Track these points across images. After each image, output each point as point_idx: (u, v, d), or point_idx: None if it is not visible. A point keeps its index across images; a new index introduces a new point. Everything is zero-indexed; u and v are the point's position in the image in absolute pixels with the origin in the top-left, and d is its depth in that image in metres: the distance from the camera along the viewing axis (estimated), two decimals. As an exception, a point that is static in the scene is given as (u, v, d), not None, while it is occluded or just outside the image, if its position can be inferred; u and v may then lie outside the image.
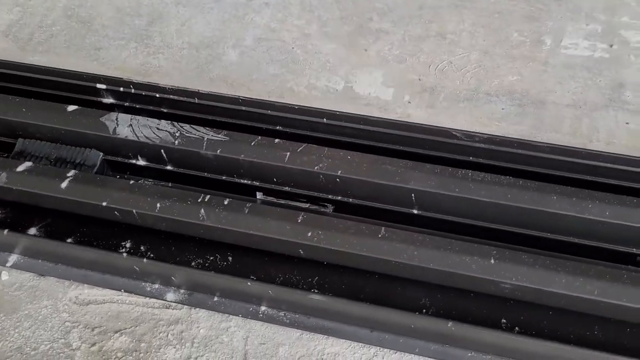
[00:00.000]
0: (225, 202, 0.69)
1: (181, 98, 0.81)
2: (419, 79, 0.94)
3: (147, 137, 0.74)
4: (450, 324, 0.62)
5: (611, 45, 0.97)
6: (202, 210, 0.68)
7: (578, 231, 0.67)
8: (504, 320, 0.64)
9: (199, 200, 0.69)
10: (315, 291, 0.66)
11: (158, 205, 0.68)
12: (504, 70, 0.95)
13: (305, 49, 0.99)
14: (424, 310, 0.64)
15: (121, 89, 0.82)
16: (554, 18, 1.01)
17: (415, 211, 0.71)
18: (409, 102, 0.91)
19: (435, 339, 0.65)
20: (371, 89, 0.93)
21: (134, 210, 0.68)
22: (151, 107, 0.81)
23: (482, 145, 0.75)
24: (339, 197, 0.73)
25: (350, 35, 1.00)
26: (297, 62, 0.97)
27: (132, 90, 0.81)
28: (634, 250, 0.69)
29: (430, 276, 0.64)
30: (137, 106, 0.81)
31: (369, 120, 0.81)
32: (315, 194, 0.73)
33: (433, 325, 0.64)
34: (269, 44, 1.00)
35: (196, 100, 0.80)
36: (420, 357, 0.66)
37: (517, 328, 0.64)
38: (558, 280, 0.62)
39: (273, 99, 0.89)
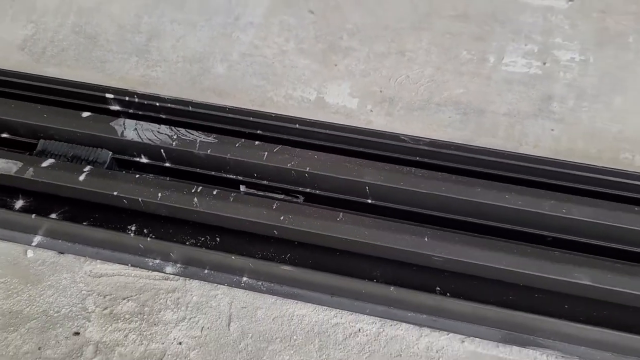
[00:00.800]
0: (214, 192, 0.84)
1: (177, 106, 0.96)
2: (380, 91, 1.10)
3: (149, 139, 0.89)
4: (392, 288, 0.78)
5: (544, 63, 1.14)
6: (195, 199, 0.83)
7: (496, 216, 0.83)
8: (438, 288, 0.80)
9: (193, 191, 0.84)
10: (287, 264, 0.81)
11: (159, 194, 0.83)
12: (453, 84, 1.11)
13: (284, 64, 1.14)
14: (374, 279, 0.80)
15: (126, 98, 0.97)
16: (498, 39, 1.18)
17: (369, 201, 0.87)
18: (371, 111, 1.07)
19: (382, 302, 0.80)
20: (339, 99, 1.08)
21: (139, 199, 0.83)
22: (152, 114, 0.95)
23: (425, 148, 0.91)
24: (308, 189, 0.88)
25: (323, 52, 1.16)
26: (277, 75, 1.12)
27: (136, 99, 0.96)
28: (545, 233, 0.85)
29: (378, 251, 0.80)
30: (140, 113, 0.95)
31: (336, 127, 0.97)
32: (288, 186, 0.88)
33: (380, 290, 0.79)
34: (252, 58, 1.15)
35: (190, 108, 0.96)
36: (370, 316, 0.82)
37: (448, 293, 0.80)
38: (479, 255, 0.78)
39: (255, 107, 1.04)
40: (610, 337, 0.76)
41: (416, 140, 0.91)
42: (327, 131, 0.96)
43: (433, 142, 0.93)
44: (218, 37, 1.21)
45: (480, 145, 0.98)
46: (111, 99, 0.97)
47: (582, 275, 0.77)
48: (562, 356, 0.78)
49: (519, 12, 1.23)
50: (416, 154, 0.91)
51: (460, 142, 0.98)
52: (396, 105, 1.08)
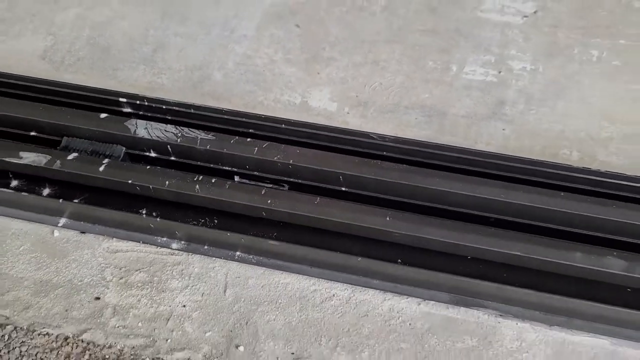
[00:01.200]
0: (213, 181, 1.00)
1: (181, 109, 1.12)
2: (357, 96, 1.26)
3: (157, 137, 1.04)
4: (360, 259, 0.94)
5: (500, 72, 1.31)
6: (197, 186, 0.99)
7: (449, 201, 0.99)
8: (399, 260, 0.97)
9: (194, 180, 1.00)
10: (274, 240, 0.97)
11: (166, 182, 0.99)
12: (420, 90, 1.27)
13: (273, 72, 1.30)
14: (345, 252, 0.96)
15: (137, 101, 1.13)
16: (461, 51, 1.35)
17: (343, 188, 1.03)
18: (348, 113, 1.23)
19: (352, 271, 0.96)
20: (321, 103, 1.25)
21: (150, 186, 0.99)
22: (159, 115, 1.11)
23: (391, 144, 1.07)
24: (291, 179, 1.04)
25: (307, 61, 1.32)
26: (267, 82, 1.28)
27: (145, 103, 1.12)
28: (489, 215, 1.01)
29: (349, 229, 0.96)
30: (149, 114, 1.11)
31: (317, 126, 1.13)
32: (275, 176, 1.04)
33: (351, 262, 0.95)
34: (246, 67, 1.31)
35: (192, 110, 1.11)
36: (343, 284, 0.98)
37: (407, 263, 0.96)
38: (432, 231, 0.95)
39: (248, 109, 1.20)
40: (538, 298, 0.92)
41: (383, 137, 1.07)
42: (310, 130, 1.12)
43: (397, 139, 1.09)
44: (216, 48, 1.37)
45: (444, 143, 1.15)
46: (124, 102, 1.13)
47: (517, 248, 0.93)
48: (500, 314, 0.94)
49: (480, 27, 1.40)
50: (383, 149, 1.07)
51: (422, 140, 1.15)
52: (370, 108, 1.24)
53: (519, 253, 0.92)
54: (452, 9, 1.43)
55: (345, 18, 1.42)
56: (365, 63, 1.32)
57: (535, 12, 1.42)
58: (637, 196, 1.01)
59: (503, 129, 1.20)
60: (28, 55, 1.33)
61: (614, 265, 0.90)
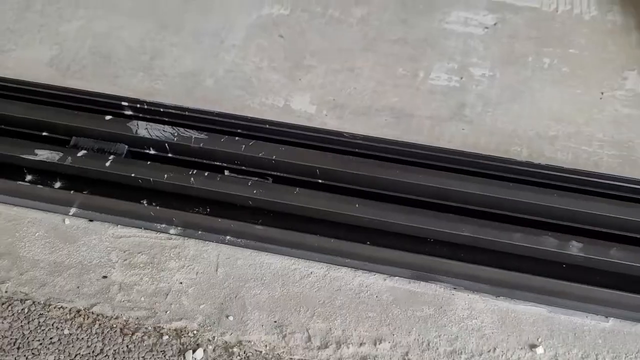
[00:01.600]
0: (206, 174, 1.14)
1: (176, 111, 1.26)
2: (334, 99, 1.41)
3: (157, 136, 1.19)
4: (333, 241, 1.09)
5: (461, 78, 1.46)
6: (192, 179, 1.13)
7: (412, 191, 1.14)
8: (368, 242, 1.11)
9: (190, 173, 1.14)
10: (259, 225, 1.12)
11: (165, 175, 1.13)
12: (390, 94, 1.42)
13: (259, 78, 1.45)
14: (321, 235, 1.11)
15: (137, 105, 1.26)
16: (428, 59, 1.50)
17: (319, 180, 1.18)
18: (326, 115, 1.38)
19: (327, 252, 1.10)
20: (302, 106, 1.39)
21: (150, 179, 1.13)
22: (157, 117, 1.25)
23: (362, 142, 1.22)
24: (275, 173, 1.18)
25: (290, 69, 1.47)
26: (253, 87, 1.43)
27: (145, 106, 1.26)
28: (445, 202, 1.16)
29: (324, 215, 1.11)
30: (149, 116, 1.25)
31: (298, 127, 1.28)
32: (261, 170, 1.18)
33: (326, 243, 1.10)
34: (234, 74, 1.46)
35: (186, 113, 1.26)
36: (319, 263, 1.12)
37: (374, 244, 1.11)
38: (396, 216, 1.10)
39: (236, 112, 1.34)
40: (486, 273, 1.07)
41: (354, 136, 1.22)
42: (291, 130, 1.26)
43: (367, 138, 1.24)
44: (207, 57, 1.51)
45: (409, 141, 1.30)
46: (126, 105, 1.26)
47: (468, 230, 1.08)
48: (454, 287, 1.09)
49: (446, 37, 1.55)
50: (355, 146, 1.22)
51: (390, 138, 1.30)
52: (345, 111, 1.39)
53: (469, 234, 1.07)
54: (421, 20, 1.59)
55: (325, 29, 1.57)
56: (341, 70, 1.47)
57: (495, 24, 1.58)
58: (575, 186, 1.17)
59: (463, 129, 1.35)
60: (36, 63, 1.46)
61: (549, 244, 1.06)
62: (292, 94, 1.41)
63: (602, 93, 1.42)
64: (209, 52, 1.50)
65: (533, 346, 1.03)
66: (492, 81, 1.45)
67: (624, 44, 1.53)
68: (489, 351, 1.03)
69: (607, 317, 1.06)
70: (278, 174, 1.19)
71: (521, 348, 1.03)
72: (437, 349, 1.03)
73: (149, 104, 1.26)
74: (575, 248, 1.05)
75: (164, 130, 1.19)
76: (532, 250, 1.07)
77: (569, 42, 1.54)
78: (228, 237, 1.13)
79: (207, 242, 1.15)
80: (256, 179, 1.18)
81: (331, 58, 1.49)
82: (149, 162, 1.16)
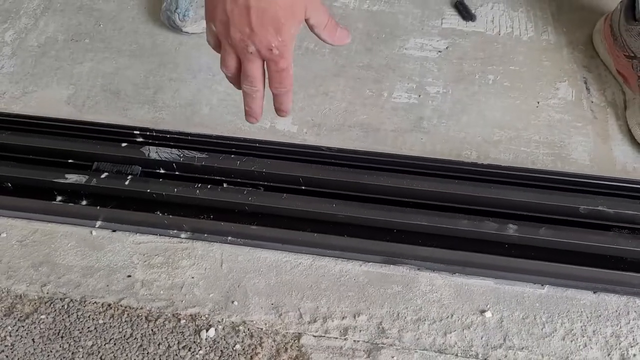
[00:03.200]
0: (208, 187, 1.37)
1: (180, 136, 1.49)
2: (312, 119, 1.66)
3: (165, 158, 1.42)
4: (316, 235, 1.32)
5: (419, 95, 1.72)
6: (197, 191, 1.37)
7: (379, 191, 1.38)
8: (345, 235, 1.35)
9: (195, 187, 1.37)
10: (255, 226, 1.35)
11: (175, 189, 1.36)
12: (359, 113, 1.67)
13: (248, 105, 1.69)
14: (306, 231, 1.34)
15: (147, 133, 1.50)
16: (390, 81, 1.76)
17: (303, 187, 1.41)
18: (306, 133, 1.62)
19: (312, 245, 1.32)
20: (285, 127, 1.63)
21: (163, 193, 1.36)
22: (165, 142, 1.48)
23: (337, 153, 1.46)
24: (265, 183, 1.41)
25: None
26: (243, 113, 1.67)
27: (154, 134, 1.50)
28: (406, 199, 1.40)
29: (307, 215, 1.34)
30: (157, 142, 1.49)
31: (283, 144, 1.52)
32: (253, 182, 1.42)
33: (310, 238, 1.33)
34: (227, 102, 1.70)
35: (189, 137, 1.49)
36: (306, 254, 1.35)
37: (350, 236, 1.34)
38: (366, 212, 1.33)
39: (230, 134, 1.58)
40: (442, 254, 1.31)
41: (330, 149, 1.47)
42: (277, 147, 1.50)
43: (341, 150, 1.49)
44: (202, 88, 1.75)
45: (375, 150, 1.54)
46: (137, 134, 1.50)
47: (425, 220, 1.32)
48: (418, 268, 1.33)
49: (405, 61, 1.81)
50: (331, 157, 1.47)
51: (360, 149, 1.54)
52: (322, 128, 1.64)
53: (426, 223, 1.31)
54: (384, 48, 1.85)
55: (301, 60, 1.82)
56: (317, 94, 1.72)
57: (447, 48, 1.85)
58: (514, 180, 1.42)
59: (422, 138, 1.60)
60: (56, 102, 1.69)
61: (491, 227, 1.30)
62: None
63: (538, 102, 1.68)
64: (203, 84, 1.75)
65: (483, 311, 1.27)
66: (445, 97, 1.71)
67: (556, 59, 1.80)
68: (447, 317, 1.27)
69: (542, 285, 1.30)
70: (268, 183, 1.42)
71: (473, 313, 1.27)
72: (405, 317, 1.27)
73: (157, 131, 1.49)
74: (511, 230, 1.29)
75: (171, 153, 1.42)
76: (478, 234, 1.31)
77: (509, 60, 1.80)
78: (229, 238, 1.36)
79: (212, 242, 1.37)
80: (250, 188, 1.42)
81: (308, 84, 1.74)
82: (160, 180, 1.39)
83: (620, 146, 1.58)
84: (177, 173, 1.43)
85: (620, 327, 1.25)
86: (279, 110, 1.29)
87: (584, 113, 1.66)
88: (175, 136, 1.49)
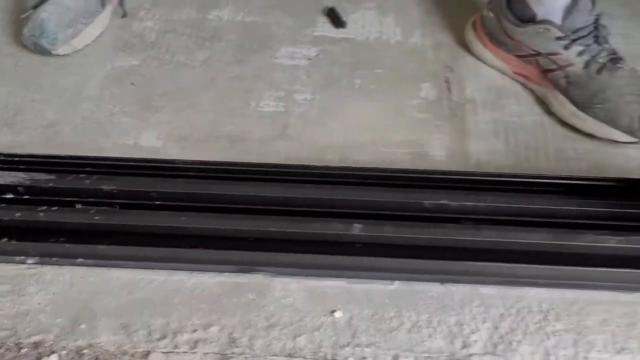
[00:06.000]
0: (54, 209, 1.34)
1: (30, 159, 1.45)
2: (178, 133, 1.64)
3: (11, 182, 1.37)
4: (169, 250, 1.31)
5: (287, 103, 1.73)
6: (41, 214, 1.33)
7: (238, 201, 1.38)
8: (199, 247, 1.34)
9: (40, 210, 1.34)
10: (105, 245, 1.33)
11: (17, 214, 1.33)
12: (226, 123, 1.67)
13: (112, 122, 1.66)
14: (158, 246, 1.32)
15: None
16: (259, 90, 1.76)
17: (156, 202, 1.40)
18: (171, 147, 1.60)
19: (165, 260, 1.30)
20: (150, 142, 1.60)
21: (5, 218, 1.32)
22: (13, 166, 1.44)
23: (198, 166, 1.45)
24: (120, 201, 1.40)
25: (140, 110, 1.69)
26: (107, 130, 1.63)
27: (2, 158, 1.46)
28: (257, 207, 1.41)
29: (158, 230, 1.33)
30: (5, 166, 1.43)
31: (146, 160, 1.50)
32: (106, 200, 1.40)
33: (164, 253, 1.32)
34: (91, 120, 1.65)
35: (39, 159, 1.45)
36: (158, 270, 1.34)
37: (204, 248, 1.33)
38: (220, 223, 1.33)
39: (92, 153, 1.55)
40: (295, 259, 1.31)
41: (193, 162, 1.46)
42: (136, 163, 1.48)
43: (202, 162, 1.48)
44: (67, 108, 1.71)
45: (237, 161, 1.55)
46: (-11, 160, 1.45)
47: (272, 226, 1.33)
48: (272, 275, 1.33)
49: (275, 71, 1.83)
50: (191, 170, 1.46)
51: (224, 160, 1.54)
52: (188, 141, 1.63)
53: (275, 229, 1.32)
54: (255, 58, 1.86)
55: (172, 74, 1.81)
56: (185, 107, 1.71)
57: (317, 55, 1.88)
58: (366, 181, 1.45)
59: (286, 146, 1.62)
60: None
61: (338, 228, 1.32)
62: (141, 132, 1.64)
63: (401, 103, 1.73)
64: (68, 104, 1.71)
65: (333, 311, 1.28)
66: (312, 103, 1.73)
67: (421, 61, 1.86)
68: (298, 321, 1.27)
69: (392, 281, 1.33)
70: (122, 201, 1.40)
71: (324, 314, 1.28)
72: (257, 325, 1.26)
73: (5, 155, 1.45)
74: (357, 229, 1.32)
75: (16, 176, 1.38)
76: (327, 235, 1.32)
77: (377, 64, 1.85)
78: (80, 260, 1.32)
79: (62, 266, 1.34)
80: (104, 207, 1.39)
81: (177, 98, 1.74)
82: (3, 205, 1.35)
83: (475, 141, 1.64)
84: (25, 197, 1.39)
85: (464, 315, 1.28)
86: None
87: (444, 111, 1.72)
88: (25, 159, 1.45)
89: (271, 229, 1.33)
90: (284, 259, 1.33)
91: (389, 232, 1.31)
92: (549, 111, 1.70)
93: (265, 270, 1.33)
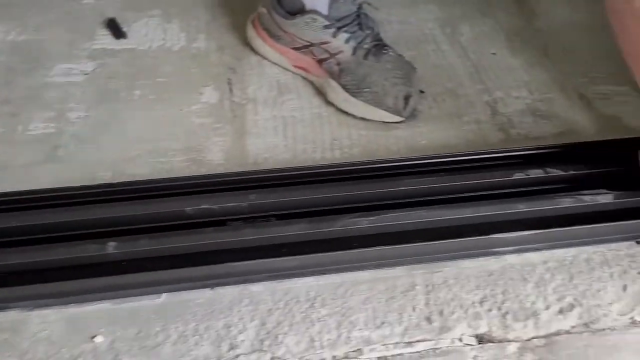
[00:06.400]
0: None
1: None
2: None
3: None
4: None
5: (58, 124, 1.64)
6: None
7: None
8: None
9: None
10: None
11: None
12: (-12, 153, 1.56)
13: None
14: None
15: None
16: (28, 113, 1.66)
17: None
18: None
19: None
20: None
21: None
22: None
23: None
24: None
25: None
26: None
27: None
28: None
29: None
30: None
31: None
32: None
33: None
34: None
35: None
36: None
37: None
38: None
39: None
40: (49, 288, 1.25)
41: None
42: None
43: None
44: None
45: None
46: None
47: (17, 258, 1.26)
48: (29, 309, 1.25)
49: (47, 90, 1.73)
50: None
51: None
52: None
53: (22, 261, 1.25)
54: (24, 79, 1.76)
55: None
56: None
57: (94, 70, 1.81)
58: (129, 195, 1.40)
59: (55, 168, 1.53)
60: None
61: (92, 249, 1.27)
62: None
63: (182, 110, 1.71)
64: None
65: (94, 336, 1.23)
66: (86, 120, 1.66)
67: (204, 65, 1.85)
68: (55, 353, 1.20)
69: (160, 294, 1.30)
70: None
71: (84, 342, 1.22)
72: (8, 366, 1.18)
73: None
74: (111, 247, 1.27)
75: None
76: (82, 259, 1.27)
77: (158, 72, 1.82)
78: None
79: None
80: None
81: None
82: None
83: (254, 140, 1.65)
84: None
85: (233, 317, 1.29)
86: None
87: (224, 113, 1.72)
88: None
89: (19, 261, 1.25)
90: (38, 291, 1.25)
91: (144, 245, 1.28)
92: (327, 102, 1.76)
93: (19, 306, 1.25)
